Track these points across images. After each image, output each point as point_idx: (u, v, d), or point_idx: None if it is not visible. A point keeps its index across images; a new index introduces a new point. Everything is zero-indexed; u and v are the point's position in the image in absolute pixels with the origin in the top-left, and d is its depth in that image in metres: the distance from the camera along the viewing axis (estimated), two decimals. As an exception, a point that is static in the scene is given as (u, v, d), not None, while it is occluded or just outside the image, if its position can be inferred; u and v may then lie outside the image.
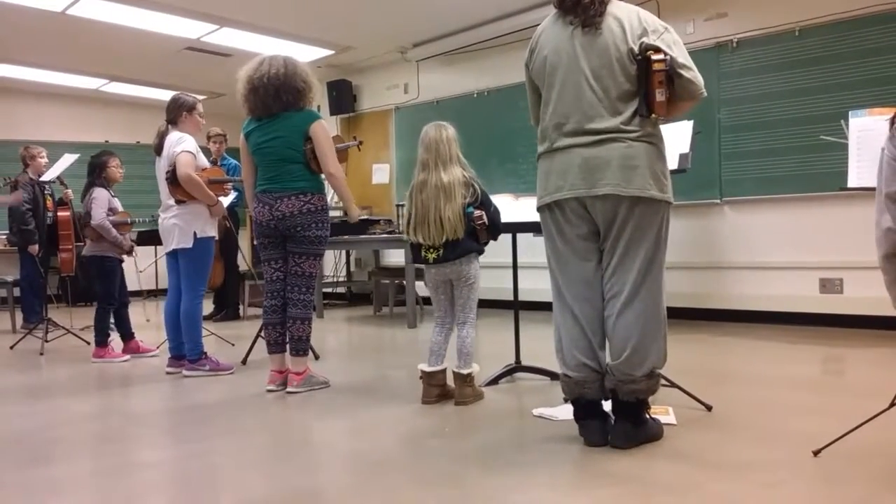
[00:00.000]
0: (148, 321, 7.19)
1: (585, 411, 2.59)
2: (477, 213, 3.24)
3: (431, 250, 3.28)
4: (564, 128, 2.51)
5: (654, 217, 2.48)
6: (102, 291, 4.93)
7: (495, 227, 3.32)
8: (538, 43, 2.62)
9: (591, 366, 2.55)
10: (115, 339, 5.05)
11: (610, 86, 2.45)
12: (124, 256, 5.07)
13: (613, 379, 2.51)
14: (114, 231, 4.87)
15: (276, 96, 3.60)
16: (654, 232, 2.49)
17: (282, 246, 3.70)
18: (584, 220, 2.53)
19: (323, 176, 3.72)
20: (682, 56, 2.42)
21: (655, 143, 2.49)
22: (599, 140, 2.45)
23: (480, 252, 3.35)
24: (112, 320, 5.02)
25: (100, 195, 4.91)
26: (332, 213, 3.86)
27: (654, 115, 2.43)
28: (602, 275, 2.56)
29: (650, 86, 2.39)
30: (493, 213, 3.32)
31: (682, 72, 2.41)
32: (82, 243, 5.19)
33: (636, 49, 2.41)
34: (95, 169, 5.02)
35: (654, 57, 2.38)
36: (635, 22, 2.45)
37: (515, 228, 3.60)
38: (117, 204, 5.07)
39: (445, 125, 3.35)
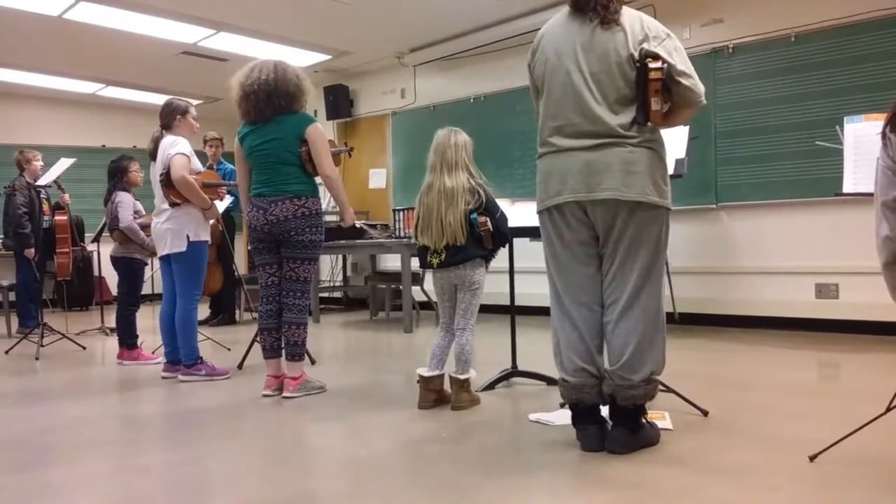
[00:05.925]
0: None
1: (583, 416, 2.59)
2: (481, 219, 3.23)
3: (435, 254, 3.29)
4: (564, 130, 2.51)
5: (654, 223, 2.48)
6: (126, 293, 4.98)
7: (501, 234, 3.31)
8: (540, 44, 2.61)
9: (590, 370, 2.54)
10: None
11: (609, 90, 2.45)
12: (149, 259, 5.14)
13: (612, 384, 2.51)
14: (141, 233, 4.95)
15: (268, 101, 3.60)
16: (653, 238, 2.49)
17: (276, 250, 3.70)
18: (584, 225, 2.53)
19: (318, 179, 3.72)
20: (682, 63, 2.41)
21: (656, 148, 2.49)
22: (600, 144, 2.45)
23: (487, 259, 3.35)
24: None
25: (124, 199, 5.00)
26: (327, 218, 3.84)
27: (650, 124, 2.44)
28: (601, 280, 2.56)
29: (647, 94, 2.39)
30: (499, 219, 3.30)
31: (681, 79, 2.40)
32: (79, 247, 5.19)
33: (636, 55, 2.41)
34: (117, 173, 5.10)
35: (652, 65, 2.37)
36: (637, 27, 2.44)
37: (512, 233, 3.60)
38: (140, 207, 5.14)
39: (457, 130, 3.35)
